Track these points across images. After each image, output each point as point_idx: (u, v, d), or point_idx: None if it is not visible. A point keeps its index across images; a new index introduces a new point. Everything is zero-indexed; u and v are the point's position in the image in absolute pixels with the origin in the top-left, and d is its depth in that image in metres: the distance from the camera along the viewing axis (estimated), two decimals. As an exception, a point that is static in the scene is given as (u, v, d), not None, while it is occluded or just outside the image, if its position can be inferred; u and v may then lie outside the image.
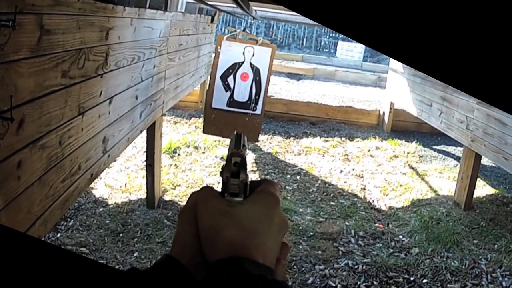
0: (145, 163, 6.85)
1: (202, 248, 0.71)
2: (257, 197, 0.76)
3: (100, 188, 6.87)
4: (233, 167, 0.78)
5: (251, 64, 7.14)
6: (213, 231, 0.70)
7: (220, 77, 7.15)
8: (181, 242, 0.75)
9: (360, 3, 0.72)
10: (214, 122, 7.23)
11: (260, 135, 7.92)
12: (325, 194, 7.74)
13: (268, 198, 0.76)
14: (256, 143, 9.54)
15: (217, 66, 7.13)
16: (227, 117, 7.19)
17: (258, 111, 7.25)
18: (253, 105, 7.17)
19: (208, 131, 7.52)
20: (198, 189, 0.81)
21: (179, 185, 7.38)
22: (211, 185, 0.82)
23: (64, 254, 0.80)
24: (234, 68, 7.13)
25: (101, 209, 6.30)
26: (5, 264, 0.73)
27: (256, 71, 7.13)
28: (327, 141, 10.73)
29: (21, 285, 0.73)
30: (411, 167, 9.32)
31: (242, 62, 7.13)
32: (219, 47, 7.14)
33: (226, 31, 7.71)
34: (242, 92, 7.15)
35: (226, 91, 7.15)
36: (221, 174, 0.79)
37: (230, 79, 7.13)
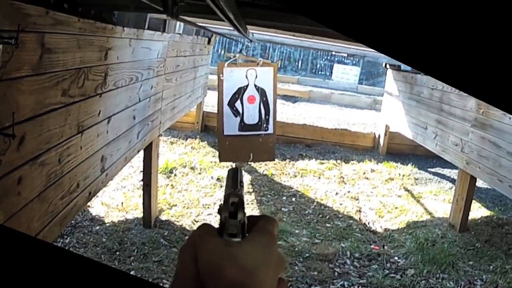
0: (141, 183, 6.85)
1: (202, 286, 0.73)
2: (255, 237, 0.78)
3: (97, 207, 6.86)
4: (230, 207, 0.79)
5: (255, 85, 7.13)
6: (213, 271, 0.72)
7: (228, 104, 7.13)
8: (182, 279, 0.76)
9: (361, 3, 0.74)
10: (229, 149, 7.19)
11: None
12: (320, 216, 7.73)
13: (266, 237, 0.78)
14: (252, 165, 9.56)
15: (223, 94, 7.13)
16: (241, 142, 7.16)
17: (271, 130, 7.23)
18: (265, 125, 7.16)
19: (225, 159, 7.49)
20: (197, 227, 0.83)
21: (176, 205, 7.37)
22: (207, 222, 0.83)
23: (65, 254, 0.81)
24: (239, 92, 7.12)
25: (97, 227, 6.29)
26: (5, 264, 0.75)
27: (261, 92, 7.12)
28: (322, 163, 10.74)
29: (21, 285, 0.74)
30: (407, 190, 9.33)
31: (247, 86, 7.12)
32: (221, 75, 7.13)
33: (225, 56, 7.73)
34: (251, 114, 7.13)
35: (236, 116, 7.13)
36: (219, 212, 0.79)
37: (237, 104, 7.12)
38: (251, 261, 0.73)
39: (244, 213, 0.79)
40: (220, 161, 7.63)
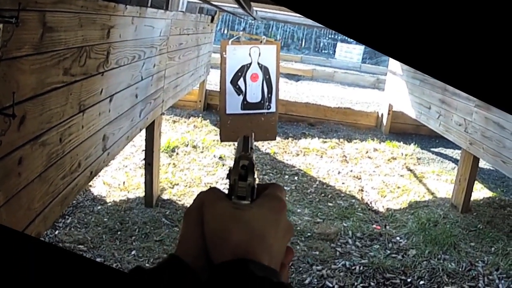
0: (143, 162, 6.85)
1: (207, 249, 0.72)
2: (264, 201, 0.76)
3: (99, 186, 6.87)
4: (240, 170, 0.78)
5: (259, 63, 7.09)
6: (219, 233, 0.71)
7: (230, 82, 7.09)
8: (187, 242, 0.75)
9: (361, 2, 0.72)
10: (231, 128, 7.16)
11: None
12: (323, 195, 7.74)
13: (275, 202, 0.77)
14: (255, 143, 9.54)
15: (226, 72, 7.09)
16: (243, 121, 7.13)
17: (273, 109, 7.21)
18: (267, 104, 7.12)
19: (226, 138, 7.46)
20: (205, 189, 0.81)
21: (177, 184, 7.38)
22: (215, 186, 0.82)
23: (65, 254, 0.80)
24: (242, 70, 7.08)
25: (99, 207, 6.30)
26: (5, 264, 0.74)
27: (265, 70, 7.09)
28: (325, 142, 10.73)
29: (22, 285, 0.73)
30: (409, 169, 9.33)
31: (250, 63, 7.08)
32: (224, 53, 7.09)
33: (228, 34, 7.70)
34: (254, 93, 7.09)
35: (239, 94, 7.09)
36: (228, 176, 0.79)
37: (240, 82, 7.07)
38: (260, 225, 0.72)
39: (254, 177, 0.78)
40: (221, 141, 7.59)
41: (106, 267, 0.81)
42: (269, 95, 7.20)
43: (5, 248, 0.76)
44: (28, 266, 0.74)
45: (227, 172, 0.79)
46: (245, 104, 7.12)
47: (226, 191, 0.79)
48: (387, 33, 0.73)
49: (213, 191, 0.79)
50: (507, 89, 0.70)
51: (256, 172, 0.79)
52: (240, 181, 0.77)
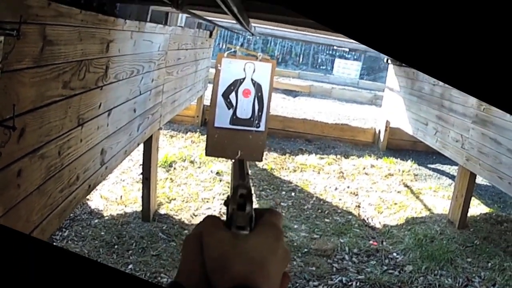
0: (140, 176, 6.85)
1: (208, 277, 0.73)
2: (263, 230, 0.77)
3: (96, 200, 6.86)
4: (239, 199, 0.78)
5: (252, 80, 7.11)
6: (220, 262, 0.72)
7: (222, 95, 7.10)
8: (187, 270, 0.77)
9: (360, 2, 0.73)
10: (218, 142, 7.16)
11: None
12: (319, 211, 7.74)
13: (273, 230, 0.78)
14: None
15: (218, 84, 7.10)
16: (230, 136, 7.13)
17: (262, 128, 7.21)
18: (257, 122, 7.12)
19: (212, 153, 7.45)
20: (203, 218, 0.82)
21: (175, 199, 7.37)
22: (213, 214, 0.82)
23: (65, 255, 0.81)
24: (235, 84, 7.10)
25: (96, 221, 6.29)
26: (5, 264, 0.74)
27: (257, 87, 7.10)
28: (322, 158, 10.74)
29: (22, 285, 0.74)
30: (406, 186, 9.33)
31: (244, 79, 7.10)
32: (219, 65, 7.11)
33: (225, 48, 7.70)
34: (245, 109, 7.10)
35: (229, 108, 7.10)
36: (226, 203, 0.79)
37: (232, 96, 7.09)
38: (259, 254, 0.73)
39: (252, 206, 0.78)
40: (206, 155, 7.58)
41: (106, 267, 0.82)
42: (260, 113, 7.19)
43: (5, 248, 0.77)
44: (28, 266, 0.74)
45: (225, 199, 0.80)
46: (234, 119, 7.12)
47: (224, 218, 0.80)
48: (387, 32, 0.73)
49: (212, 219, 0.80)
50: (507, 89, 0.70)
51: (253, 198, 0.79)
52: (239, 210, 0.77)
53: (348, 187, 8.99)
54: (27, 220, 2.61)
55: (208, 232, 0.77)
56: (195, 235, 0.78)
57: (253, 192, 0.81)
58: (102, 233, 6.02)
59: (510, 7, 0.64)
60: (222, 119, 7.11)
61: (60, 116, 2.92)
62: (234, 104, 7.10)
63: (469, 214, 7.36)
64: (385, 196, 8.55)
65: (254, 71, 7.08)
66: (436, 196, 8.78)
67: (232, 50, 7.36)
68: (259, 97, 7.11)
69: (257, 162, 9.58)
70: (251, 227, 0.77)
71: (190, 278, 0.75)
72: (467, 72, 0.72)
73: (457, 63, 0.71)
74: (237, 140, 7.10)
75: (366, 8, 0.72)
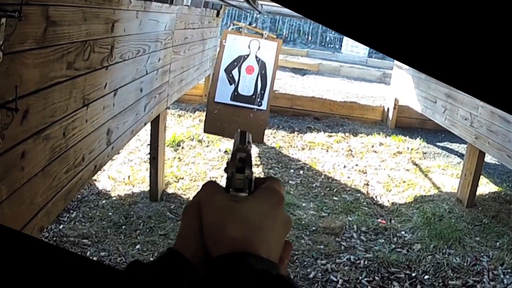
0: (148, 156, 6.85)
1: (205, 243, 0.72)
2: (262, 194, 0.76)
3: (103, 180, 6.88)
4: (238, 163, 0.78)
5: (256, 57, 7.06)
6: (217, 226, 0.71)
7: (225, 70, 7.06)
8: (185, 236, 0.75)
9: (363, 3, 0.72)
10: (217, 118, 7.11)
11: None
12: (328, 189, 7.73)
13: (273, 195, 0.76)
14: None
15: (222, 59, 7.07)
16: (230, 113, 7.08)
17: (264, 107, 7.14)
18: (259, 99, 7.07)
19: (210, 130, 7.39)
20: (202, 183, 0.81)
21: (182, 178, 7.38)
22: (214, 180, 0.81)
23: (64, 254, 0.80)
24: (239, 60, 7.06)
25: (104, 201, 6.31)
26: (5, 264, 0.73)
27: (261, 65, 7.06)
28: (331, 136, 10.72)
29: (22, 285, 0.73)
30: (415, 164, 9.31)
31: (248, 55, 7.06)
32: (224, 40, 7.08)
33: (232, 25, 7.67)
34: (247, 85, 7.06)
35: (231, 84, 7.06)
36: (226, 169, 0.78)
37: (235, 72, 7.05)
38: (257, 217, 0.72)
39: (252, 170, 0.77)
40: (205, 131, 7.52)
41: (106, 266, 0.81)
42: (262, 92, 7.14)
43: (5, 248, 0.76)
44: (28, 266, 0.74)
45: (225, 165, 0.79)
46: (236, 95, 7.07)
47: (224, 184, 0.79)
48: (388, 33, 0.72)
49: (211, 184, 0.79)
50: (508, 89, 0.69)
51: (256, 165, 0.78)
52: (237, 173, 0.76)
53: (357, 165, 8.98)
54: (32, 202, 2.61)
55: (206, 197, 0.76)
56: (194, 201, 0.77)
57: (252, 157, 0.80)
58: (110, 213, 6.04)
59: (509, 9, 0.62)
60: (223, 94, 7.07)
61: (64, 97, 2.91)
62: (236, 80, 7.05)
63: (477, 193, 7.35)
64: (393, 174, 8.54)
65: (259, 49, 7.04)
66: (445, 174, 8.77)
67: (238, 26, 7.32)
68: (262, 74, 7.06)
69: (265, 141, 9.58)
70: (250, 191, 0.76)
71: (187, 245, 0.73)
72: (467, 73, 0.71)
73: (457, 65, 0.71)
74: (237, 118, 7.04)
75: (367, 12, 0.71)
